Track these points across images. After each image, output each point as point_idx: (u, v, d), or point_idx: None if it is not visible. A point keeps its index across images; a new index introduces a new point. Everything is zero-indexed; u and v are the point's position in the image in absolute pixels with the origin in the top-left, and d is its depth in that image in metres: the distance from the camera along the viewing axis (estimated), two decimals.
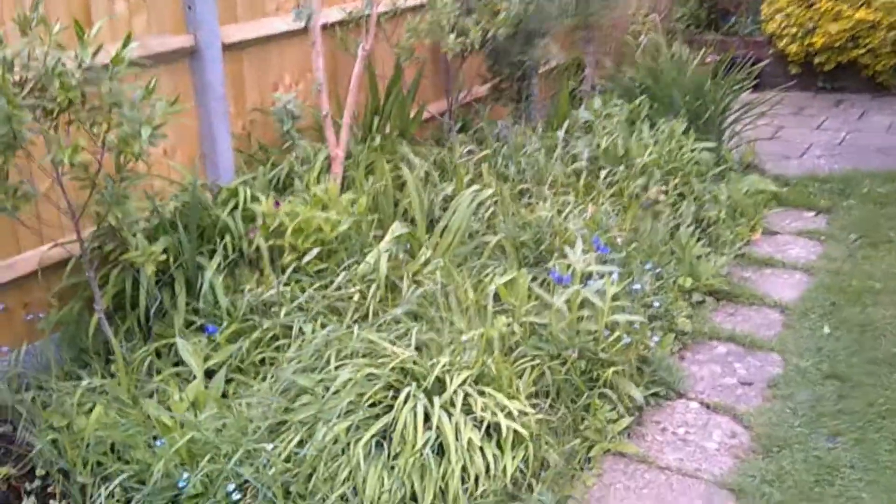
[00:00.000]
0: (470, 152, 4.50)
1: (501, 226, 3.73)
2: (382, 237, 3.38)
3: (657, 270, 3.83)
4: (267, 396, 2.62)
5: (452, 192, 4.01)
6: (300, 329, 2.95)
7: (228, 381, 2.90)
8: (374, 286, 3.09)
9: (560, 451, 2.74)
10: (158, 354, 3.15)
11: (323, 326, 2.90)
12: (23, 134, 2.52)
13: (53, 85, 2.63)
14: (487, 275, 3.34)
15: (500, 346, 2.94)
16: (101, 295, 3.26)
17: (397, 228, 3.25)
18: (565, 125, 5.00)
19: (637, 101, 5.36)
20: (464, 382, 2.66)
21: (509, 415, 2.62)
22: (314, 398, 2.59)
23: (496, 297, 3.21)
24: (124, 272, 3.23)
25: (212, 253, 3.41)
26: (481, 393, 2.67)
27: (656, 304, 3.60)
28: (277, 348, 2.99)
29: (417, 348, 2.82)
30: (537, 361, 2.95)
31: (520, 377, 2.89)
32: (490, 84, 5.48)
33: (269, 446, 2.46)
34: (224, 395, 2.84)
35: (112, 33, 3.39)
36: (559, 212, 3.91)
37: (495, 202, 3.87)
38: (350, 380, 2.57)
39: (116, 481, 2.44)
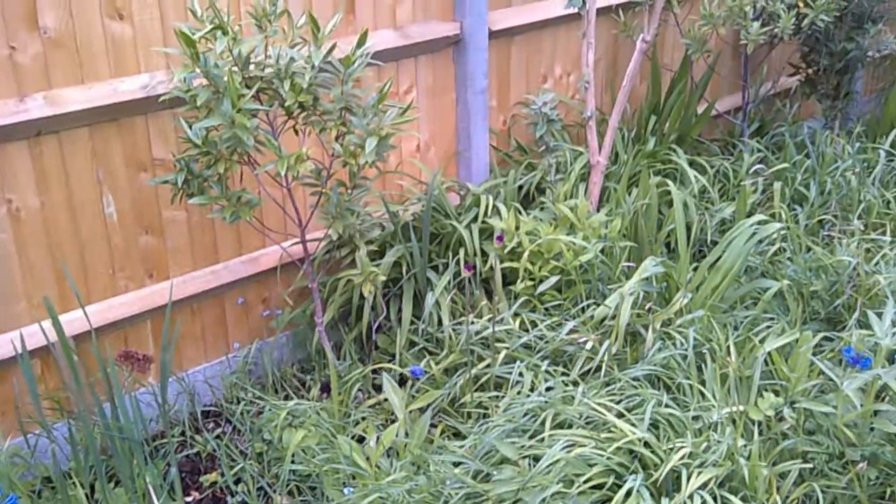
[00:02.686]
0: (762, 164, 3.78)
1: (788, 268, 3.03)
2: (635, 270, 2.86)
3: None
4: (466, 460, 2.28)
5: (731, 217, 3.36)
6: (520, 374, 2.57)
7: (434, 424, 2.62)
8: (611, 336, 2.60)
9: None
10: (377, 372, 2.96)
11: (545, 380, 2.49)
12: (246, 142, 2.38)
13: (284, 87, 2.46)
14: (759, 333, 2.70)
15: (762, 435, 2.33)
16: (329, 303, 3.14)
17: (649, 267, 2.72)
18: (892, 135, 4.04)
19: None
20: (705, 485, 2.11)
21: None
22: (518, 472, 2.20)
23: (767, 363, 2.57)
24: (353, 281, 3.06)
25: (445, 266, 3.14)
26: (726, 502, 2.10)
27: None
28: (493, 394, 2.63)
29: (653, 425, 2.30)
30: (809, 464, 2.29)
31: (782, 479, 2.26)
32: (801, 76, 4.61)
33: None
34: (429, 441, 2.56)
35: (375, 19, 3.20)
36: (868, 255, 3.11)
37: (784, 236, 3.16)
38: (561, 460, 2.13)
39: None
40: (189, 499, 2.70)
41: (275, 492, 2.53)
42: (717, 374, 2.49)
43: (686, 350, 2.51)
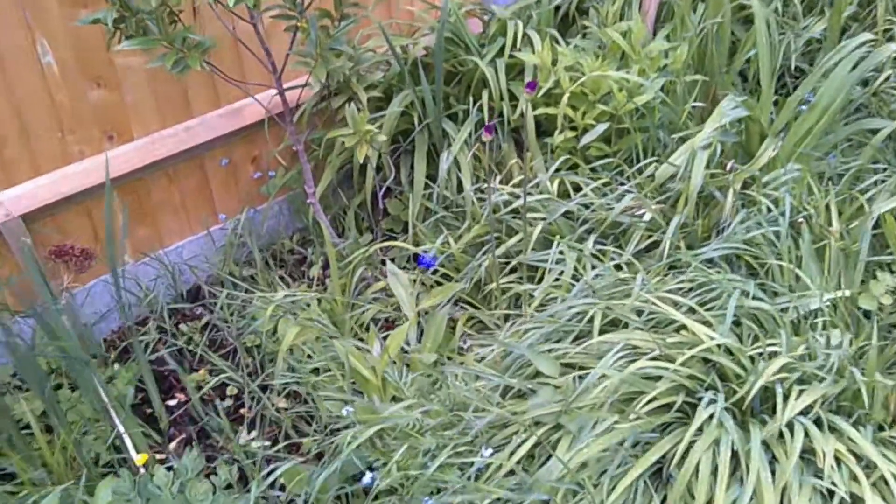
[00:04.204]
0: None
1: None
2: (708, 113, 2.24)
3: None
4: (491, 374, 1.79)
5: (821, 36, 2.66)
6: (560, 253, 2.03)
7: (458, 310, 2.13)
8: (677, 203, 2.02)
9: None
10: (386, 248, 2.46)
11: (593, 267, 1.95)
12: None
13: None
14: (865, 190, 2.10)
15: (876, 331, 1.80)
16: (327, 163, 2.58)
17: (727, 109, 2.09)
18: None
19: None
20: (809, 409, 1.60)
21: (881, 480, 1.55)
22: (558, 389, 1.72)
23: (876, 227, 2.00)
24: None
25: (466, 114, 2.54)
26: (834, 429, 1.60)
27: None
28: (528, 287, 2.11)
29: (735, 323, 1.78)
30: None
31: None
32: None
33: (487, 452, 1.68)
34: (448, 337, 2.08)
35: None
36: None
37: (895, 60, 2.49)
38: (608, 377, 1.64)
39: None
40: (173, 402, 2.31)
41: (267, 392, 2.11)
42: (814, 246, 1.93)
43: (776, 218, 1.93)
